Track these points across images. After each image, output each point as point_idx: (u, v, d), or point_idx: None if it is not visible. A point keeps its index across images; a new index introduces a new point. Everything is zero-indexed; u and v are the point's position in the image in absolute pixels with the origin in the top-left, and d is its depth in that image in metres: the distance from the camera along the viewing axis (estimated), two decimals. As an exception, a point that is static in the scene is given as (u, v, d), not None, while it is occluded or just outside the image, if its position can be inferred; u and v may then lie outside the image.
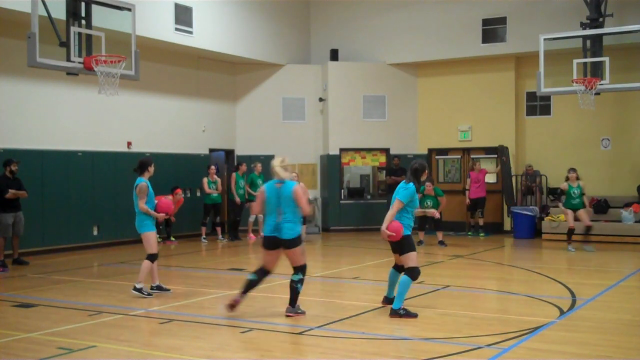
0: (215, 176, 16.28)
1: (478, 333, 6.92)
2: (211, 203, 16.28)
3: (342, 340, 6.80)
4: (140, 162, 9.13)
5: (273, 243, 7.65)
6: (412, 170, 7.86)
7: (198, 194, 16.91)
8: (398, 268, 8.09)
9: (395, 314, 7.66)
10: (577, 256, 13.42)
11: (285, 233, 7.55)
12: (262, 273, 7.87)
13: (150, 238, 8.99)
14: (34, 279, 10.78)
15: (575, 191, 13.92)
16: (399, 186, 7.94)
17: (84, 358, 6.25)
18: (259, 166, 16.83)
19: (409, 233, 7.78)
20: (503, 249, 15.15)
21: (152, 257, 9.00)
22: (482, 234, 17.07)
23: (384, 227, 7.66)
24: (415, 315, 7.65)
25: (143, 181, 8.98)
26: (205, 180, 16.20)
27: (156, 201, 9.23)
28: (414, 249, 7.82)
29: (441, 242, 15.12)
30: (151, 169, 9.12)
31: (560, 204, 14.40)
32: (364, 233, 18.25)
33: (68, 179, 14.37)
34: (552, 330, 7.07)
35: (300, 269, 7.71)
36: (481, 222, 17.10)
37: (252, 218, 16.75)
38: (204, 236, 16.35)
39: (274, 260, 7.81)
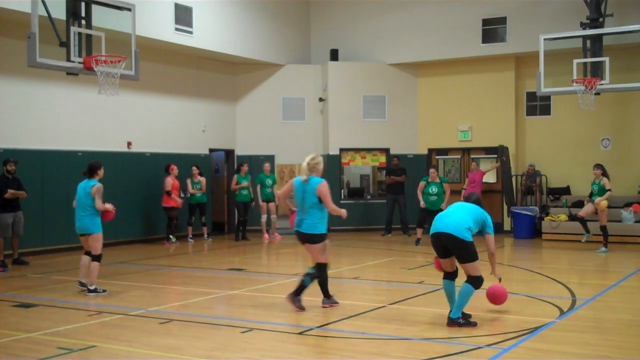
0: (198, 177, 16.30)
1: (478, 333, 6.92)
2: (195, 203, 16.31)
3: (342, 340, 6.80)
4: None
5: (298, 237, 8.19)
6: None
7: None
8: (450, 276, 7.57)
9: (453, 323, 7.19)
10: (577, 256, 13.41)
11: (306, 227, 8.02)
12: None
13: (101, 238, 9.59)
14: (34, 279, 10.78)
15: (595, 187, 14.19)
16: None
17: (84, 358, 6.25)
18: (267, 166, 16.87)
19: (471, 240, 7.30)
20: (503, 249, 15.14)
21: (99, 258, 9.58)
22: None
23: None
24: (475, 324, 7.22)
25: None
26: (188, 180, 16.21)
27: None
28: (477, 257, 7.37)
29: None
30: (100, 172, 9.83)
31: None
32: (364, 233, 18.24)
33: (68, 179, 14.30)
34: (552, 330, 7.07)
35: (317, 266, 8.12)
36: None
37: (263, 218, 16.76)
38: (190, 236, 16.37)
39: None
